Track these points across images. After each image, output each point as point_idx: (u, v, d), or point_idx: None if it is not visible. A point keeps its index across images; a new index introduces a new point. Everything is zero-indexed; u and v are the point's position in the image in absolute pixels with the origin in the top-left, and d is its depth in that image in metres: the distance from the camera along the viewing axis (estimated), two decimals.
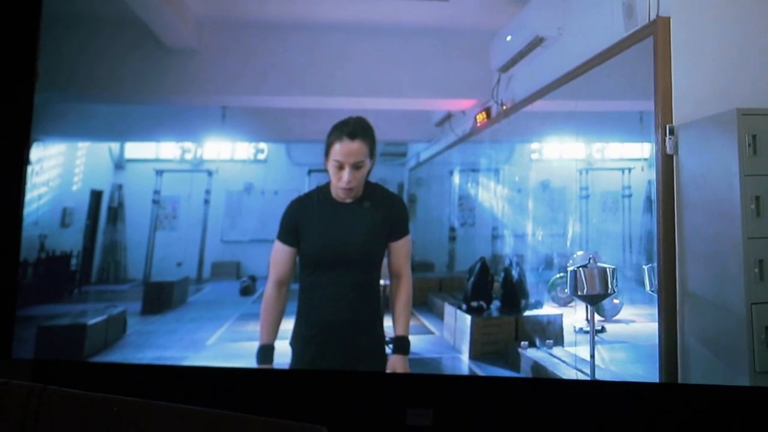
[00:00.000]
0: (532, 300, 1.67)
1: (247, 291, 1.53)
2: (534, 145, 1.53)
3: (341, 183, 1.95)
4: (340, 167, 1.95)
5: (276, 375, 1.51)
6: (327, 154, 1.99)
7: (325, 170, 1.95)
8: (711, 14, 1.54)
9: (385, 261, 2.02)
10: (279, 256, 1.98)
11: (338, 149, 1.96)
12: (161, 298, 1.54)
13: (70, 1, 1.46)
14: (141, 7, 1.47)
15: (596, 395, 1.52)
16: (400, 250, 2.06)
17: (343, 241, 2.03)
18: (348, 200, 1.99)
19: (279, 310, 1.97)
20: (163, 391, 1.17)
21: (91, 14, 1.47)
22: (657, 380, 1.53)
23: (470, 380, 1.45)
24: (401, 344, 2.03)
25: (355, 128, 1.97)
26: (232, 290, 1.54)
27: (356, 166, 1.94)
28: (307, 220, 2.05)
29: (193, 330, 1.48)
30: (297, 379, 1.57)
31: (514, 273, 1.66)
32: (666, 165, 1.54)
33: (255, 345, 1.64)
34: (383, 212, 2.05)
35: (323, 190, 2.04)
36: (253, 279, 1.52)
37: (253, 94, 1.50)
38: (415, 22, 1.58)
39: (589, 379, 1.53)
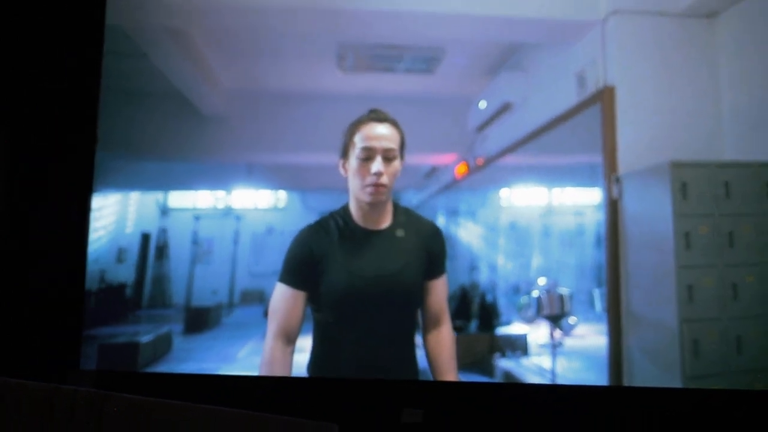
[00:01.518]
0: (503, 319, 1.97)
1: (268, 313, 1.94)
2: (504, 192, 1.92)
3: (370, 177, 1.70)
4: (368, 158, 1.71)
5: (293, 382, 1.86)
6: (346, 148, 1.75)
7: (343, 175, 1.75)
8: (649, 83, 1.93)
9: None
10: (284, 303, 1.74)
11: (365, 133, 1.72)
12: (200, 320, 1.90)
13: (123, 78, 1.87)
14: (181, 82, 1.86)
15: (556, 396, 1.92)
16: (440, 291, 1.82)
17: (377, 279, 1.77)
18: (374, 227, 1.75)
19: (285, 374, 1.75)
20: (202, 396, 1.60)
21: (140, 89, 1.86)
22: (606, 384, 1.87)
23: (453, 384, 1.85)
24: None
25: (382, 114, 1.75)
26: (257, 313, 1.94)
27: (388, 157, 1.73)
28: (325, 253, 1.80)
29: (226, 346, 1.88)
30: (311, 385, 1.91)
31: (489, 297, 1.99)
32: (612, 208, 1.93)
33: None
34: (421, 243, 1.82)
35: (341, 216, 1.81)
36: None
37: (273, 152, 1.89)
38: (405, 91, 1.96)
39: (550, 383, 1.86)
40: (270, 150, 1.87)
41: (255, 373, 1.80)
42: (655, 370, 1.87)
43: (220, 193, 1.87)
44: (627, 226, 1.88)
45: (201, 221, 1.87)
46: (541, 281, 1.88)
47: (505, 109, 1.88)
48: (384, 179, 1.72)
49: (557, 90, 1.88)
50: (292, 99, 1.85)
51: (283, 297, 1.75)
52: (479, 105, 1.86)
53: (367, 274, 1.78)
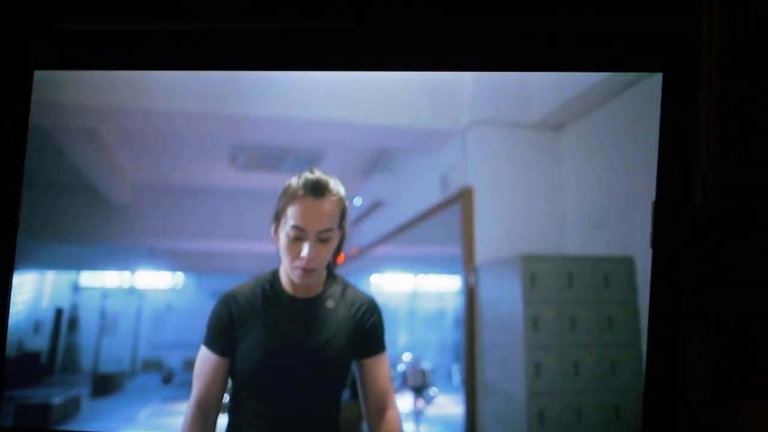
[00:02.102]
0: None
1: (167, 380, 2.24)
2: (375, 278, 2.19)
3: (299, 261, 1.62)
4: (298, 238, 1.62)
5: None
6: (278, 219, 1.68)
7: (274, 243, 1.70)
8: (503, 185, 2.21)
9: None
10: (205, 367, 1.68)
11: (297, 212, 1.62)
12: (105, 385, 2.02)
13: (43, 171, 2.16)
14: (94, 176, 2.17)
15: None
16: (380, 371, 1.70)
17: (297, 354, 1.68)
18: (303, 295, 1.66)
19: None
20: None
21: (57, 181, 2.16)
22: None
23: None
24: None
25: (323, 182, 1.64)
26: (156, 380, 2.22)
27: (322, 239, 1.63)
28: (246, 320, 1.71)
29: (128, 409, 2.17)
30: None
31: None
32: (470, 294, 2.17)
33: (173, 420, 1.82)
34: (352, 316, 1.72)
35: (270, 280, 1.74)
36: (171, 372, 2.22)
37: (173, 238, 2.16)
38: None
39: None
40: (170, 236, 2.05)
41: None
42: None
43: (126, 274, 2.15)
44: (482, 310, 2.16)
45: (108, 298, 2.16)
46: (406, 357, 2.13)
47: (377, 205, 2.11)
48: (314, 264, 1.63)
49: (423, 189, 2.12)
50: (190, 192, 2.06)
51: (203, 362, 1.70)
52: (354, 201, 2.12)
53: (287, 347, 1.69)
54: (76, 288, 2.09)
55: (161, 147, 2.10)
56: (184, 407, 2.01)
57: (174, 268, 2.08)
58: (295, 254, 1.64)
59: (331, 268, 1.78)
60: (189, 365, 2.07)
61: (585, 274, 2.11)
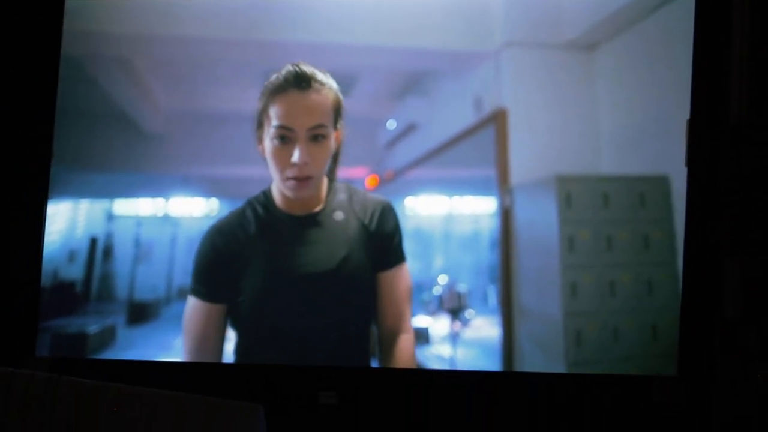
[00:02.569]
0: None
1: None
2: (410, 201, 2.22)
3: (290, 169, 1.40)
4: (286, 141, 1.42)
5: (222, 367, 2.14)
6: (260, 124, 1.49)
7: (260, 155, 1.55)
8: (537, 107, 2.26)
9: None
10: (197, 319, 1.48)
11: (281, 108, 1.41)
12: (141, 313, 2.09)
13: (76, 101, 2.21)
14: (126, 104, 2.21)
15: (456, 380, 2.25)
16: (397, 286, 1.50)
17: (308, 277, 1.47)
18: (303, 211, 1.42)
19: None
20: (143, 379, 1.91)
21: (90, 111, 2.18)
22: (500, 369, 2.14)
23: (364, 369, 2.02)
24: None
25: (307, 72, 1.44)
26: None
27: (314, 136, 1.44)
28: (238, 253, 1.50)
29: (164, 336, 2.22)
30: (240, 371, 2.07)
31: None
32: (505, 216, 2.15)
33: None
34: (366, 225, 1.54)
35: (261, 201, 1.57)
36: None
37: (207, 165, 2.20)
38: None
39: (450, 369, 2.13)
40: (204, 163, 2.10)
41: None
42: (543, 357, 2.20)
43: (160, 202, 2.19)
44: (518, 232, 2.19)
45: (142, 226, 2.19)
46: (442, 279, 2.17)
47: (410, 128, 2.12)
48: (310, 169, 1.41)
49: (457, 112, 2.13)
50: (224, 119, 2.09)
51: (191, 314, 1.51)
52: (388, 125, 2.14)
53: (296, 272, 1.50)
54: (110, 216, 2.12)
55: (194, 74, 2.13)
56: None
57: (208, 194, 2.10)
58: (284, 161, 1.48)
59: (332, 175, 1.61)
60: None
61: (620, 194, 2.14)
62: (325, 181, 1.69)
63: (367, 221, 1.64)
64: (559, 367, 2.11)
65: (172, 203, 2.07)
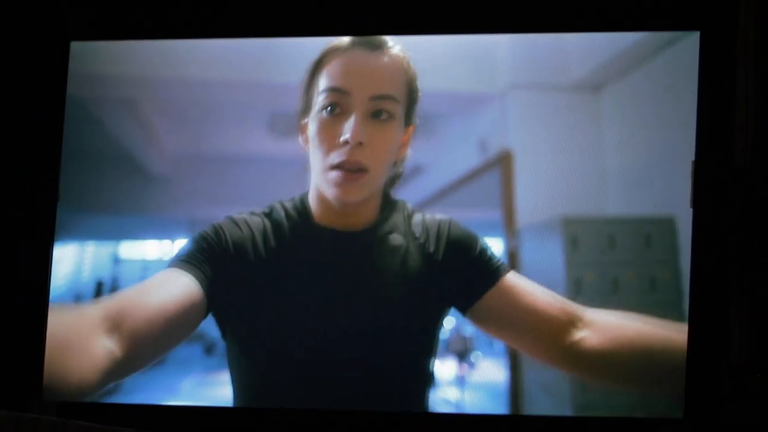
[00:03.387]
0: None
1: (209, 351, 2.29)
2: None
3: (337, 151, 1.10)
4: (338, 111, 1.12)
5: (229, 411, 2.07)
6: (306, 103, 1.19)
7: (303, 148, 1.28)
8: (543, 148, 2.28)
9: None
10: (157, 289, 1.12)
11: (336, 65, 1.15)
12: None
13: (81, 143, 2.23)
14: (132, 146, 2.25)
15: (464, 424, 2.26)
16: (518, 295, 1.21)
17: (346, 334, 1.18)
18: (347, 226, 1.13)
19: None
20: (150, 423, 1.93)
21: (96, 152, 2.23)
22: (507, 413, 2.14)
23: (368, 413, 2.02)
24: None
25: (376, 38, 1.20)
26: (198, 351, 2.29)
27: (377, 112, 1.16)
28: (241, 258, 1.19)
29: (170, 379, 2.21)
30: (246, 414, 2.09)
31: None
32: (511, 258, 2.14)
33: (216, 390, 2.01)
34: (432, 254, 1.21)
35: (294, 206, 1.26)
36: (212, 343, 2.25)
37: (213, 207, 2.23)
38: None
39: (458, 413, 2.11)
40: (210, 206, 2.09)
41: (194, 403, 2.17)
42: (549, 401, 2.15)
43: (166, 245, 2.22)
44: (524, 274, 2.19)
45: (149, 270, 2.22)
46: (448, 323, 2.19)
47: (416, 171, 2.12)
48: (365, 156, 1.09)
49: (462, 154, 2.14)
50: (229, 161, 2.11)
51: (162, 281, 1.16)
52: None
53: (329, 309, 1.15)
54: (116, 260, 2.15)
55: (199, 116, 2.16)
56: (227, 377, 2.06)
57: None
58: (330, 140, 1.12)
59: (388, 188, 1.26)
60: None
61: (626, 235, 2.16)
62: (379, 194, 1.28)
63: (432, 249, 1.24)
64: (566, 411, 2.13)
65: (178, 246, 2.09)
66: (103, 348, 1.16)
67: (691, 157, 2.08)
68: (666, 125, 2.11)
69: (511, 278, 1.24)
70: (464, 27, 2.03)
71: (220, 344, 2.08)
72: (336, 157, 1.17)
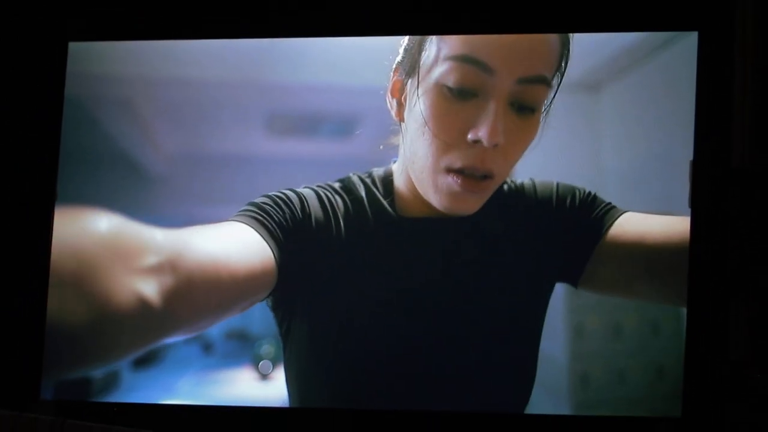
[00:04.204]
0: None
1: (207, 349, 2.30)
2: None
3: (462, 149, 0.94)
4: (466, 89, 0.95)
5: (231, 411, 2.18)
6: (413, 61, 1.00)
7: (394, 118, 1.08)
8: (543, 147, 2.31)
9: None
10: (223, 239, 0.98)
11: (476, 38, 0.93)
12: (145, 356, 2.12)
13: (79, 144, 2.24)
14: (130, 146, 2.25)
15: (460, 421, 2.27)
16: (643, 226, 1.09)
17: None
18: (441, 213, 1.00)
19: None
20: (146, 422, 1.95)
21: (93, 152, 2.23)
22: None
23: (370, 412, 2.08)
24: None
25: None
26: (196, 350, 2.32)
27: (521, 103, 0.98)
28: (329, 244, 1.07)
29: (168, 377, 2.17)
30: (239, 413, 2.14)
31: None
32: None
33: (214, 389, 2.05)
34: (545, 203, 1.06)
35: (375, 189, 1.09)
36: (210, 342, 2.27)
37: (211, 206, 2.23)
38: (327, 153, 2.36)
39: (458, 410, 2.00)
40: (208, 205, 2.10)
41: (192, 402, 2.19)
42: (548, 399, 2.18)
43: None
44: None
45: None
46: None
47: None
48: (495, 161, 0.93)
49: None
50: (227, 161, 2.12)
51: (228, 229, 1.02)
52: (392, 164, 2.21)
53: (412, 320, 1.06)
54: None
55: (197, 116, 2.17)
56: (225, 376, 2.07)
57: None
58: (454, 131, 0.92)
59: None
60: (230, 335, 2.14)
61: None
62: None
63: (548, 199, 1.03)
64: (564, 409, 2.15)
65: None
66: (137, 290, 0.90)
67: (689, 157, 2.10)
68: (664, 125, 2.13)
69: (625, 220, 1.06)
70: (461, 27, 2.05)
71: (219, 343, 2.10)
72: (458, 160, 0.95)
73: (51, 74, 2.19)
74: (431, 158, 0.97)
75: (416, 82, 0.97)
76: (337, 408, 1.69)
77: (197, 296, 0.98)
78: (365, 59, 2.19)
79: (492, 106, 0.92)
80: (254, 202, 1.21)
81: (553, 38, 0.98)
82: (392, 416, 2.02)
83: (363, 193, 1.10)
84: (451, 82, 0.94)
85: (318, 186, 1.30)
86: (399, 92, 1.04)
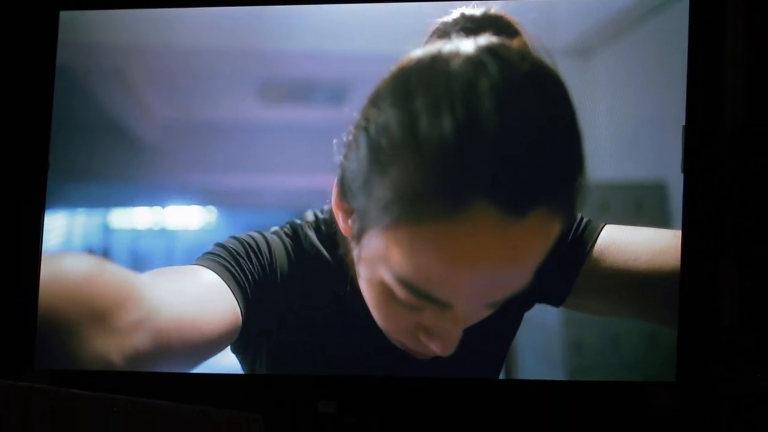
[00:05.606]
0: None
1: None
2: None
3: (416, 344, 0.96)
4: (416, 308, 0.93)
5: (222, 378, 2.05)
6: (344, 195, 0.98)
7: (340, 226, 1.10)
8: None
9: None
10: (199, 304, 1.03)
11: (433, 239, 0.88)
12: None
13: (71, 113, 2.26)
14: (123, 114, 2.27)
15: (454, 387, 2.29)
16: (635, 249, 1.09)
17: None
18: None
19: None
20: (140, 390, 1.96)
21: (85, 121, 2.26)
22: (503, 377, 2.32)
23: (363, 378, 2.03)
24: None
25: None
26: None
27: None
28: (286, 291, 1.14)
29: None
30: (239, 380, 2.05)
31: None
32: None
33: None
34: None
35: (318, 248, 1.12)
36: None
37: (204, 175, 2.26)
38: (320, 119, 2.38)
39: (450, 377, 2.05)
40: (201, 173, 2.15)
41: (189, 370, 2.20)
42: (543, 365, 2.20)
43: (157, 213, 2.25)
44: None
45: (140, 239, 2.27)
46: None
47: None
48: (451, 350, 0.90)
49: None
50: (220, 129, 2.15)
51: (203, 288, 1.05)
52: None
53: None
54: (107, 229, 2.18)
55: (189, 84, 2.19)
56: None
57: (206, 204, 2.15)
58: (403, 325, 0.92)
59: None
60: None
61: (618, 201, 2.20)
62: None
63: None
64: (558, 375, 2.17)
65: (169, 215, 2.13)
66: (116, 350, 1.05)
67: (682, 121, 2.12)
68: (656, 90, 2.15)
69: (606, 237, 1.04)
70: None
71: None
72: (415, 343, 0.90)
73: (42, 43, 2.19)
74: (388, 307, 0.91)
75: (358, 256, 0.92)
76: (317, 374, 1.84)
77: (169, 355, 1.11)
78: (357, 26, 2.21)
79: (448, 326, 0.84)
80: (225, 247, 1.30)
81: (544, 232, 0.82)
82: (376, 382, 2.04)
83: (306, 244, 1.16)
84: (402, 300, 0.87)
85: (283, 230, 1.44)
86: (343, 211, 0.98)
